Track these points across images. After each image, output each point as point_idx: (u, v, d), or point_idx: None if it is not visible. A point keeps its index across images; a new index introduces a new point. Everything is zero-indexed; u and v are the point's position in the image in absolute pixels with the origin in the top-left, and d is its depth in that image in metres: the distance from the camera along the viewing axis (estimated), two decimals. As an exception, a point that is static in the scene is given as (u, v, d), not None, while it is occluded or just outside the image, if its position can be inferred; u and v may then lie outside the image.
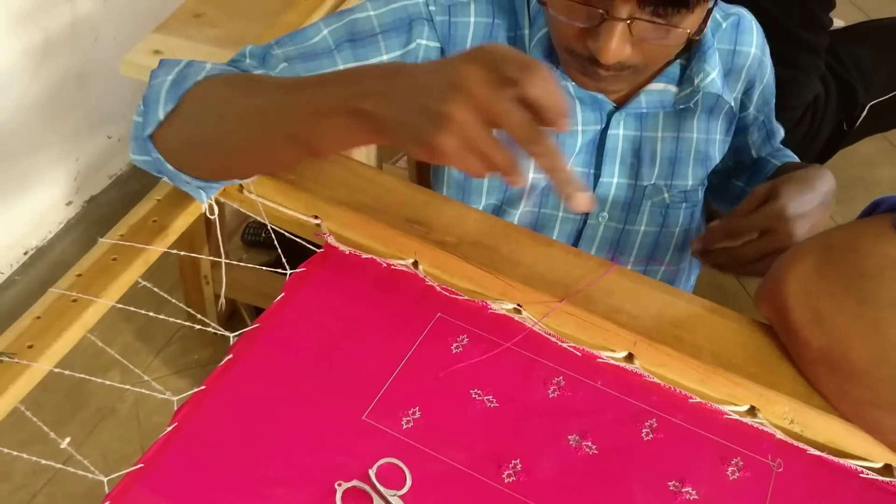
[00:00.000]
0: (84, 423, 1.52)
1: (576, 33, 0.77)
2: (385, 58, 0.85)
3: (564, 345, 0.71)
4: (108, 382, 0.70)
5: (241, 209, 0.81)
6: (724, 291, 1.85)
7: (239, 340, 0.70)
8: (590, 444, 0.65)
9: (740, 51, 0.95)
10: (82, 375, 0.69)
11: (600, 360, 0.70)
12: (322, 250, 0.77)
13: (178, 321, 0.79)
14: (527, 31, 0.89)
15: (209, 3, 1.31)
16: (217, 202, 0.80)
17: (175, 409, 0.65)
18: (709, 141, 0.96)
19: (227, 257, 0.87)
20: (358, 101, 0.59)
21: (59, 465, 0.64)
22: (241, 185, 0.80)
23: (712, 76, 0.89)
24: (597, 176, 0.94)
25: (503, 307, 0.73)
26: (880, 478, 0.65)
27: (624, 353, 0.71)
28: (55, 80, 1.68)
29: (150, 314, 0.75)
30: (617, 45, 0.73)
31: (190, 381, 1.61)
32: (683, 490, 0.63)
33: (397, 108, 0.57)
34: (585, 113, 0.91)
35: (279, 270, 0.76)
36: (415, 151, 0.57)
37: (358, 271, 0.75)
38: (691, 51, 0.90)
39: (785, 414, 0.67)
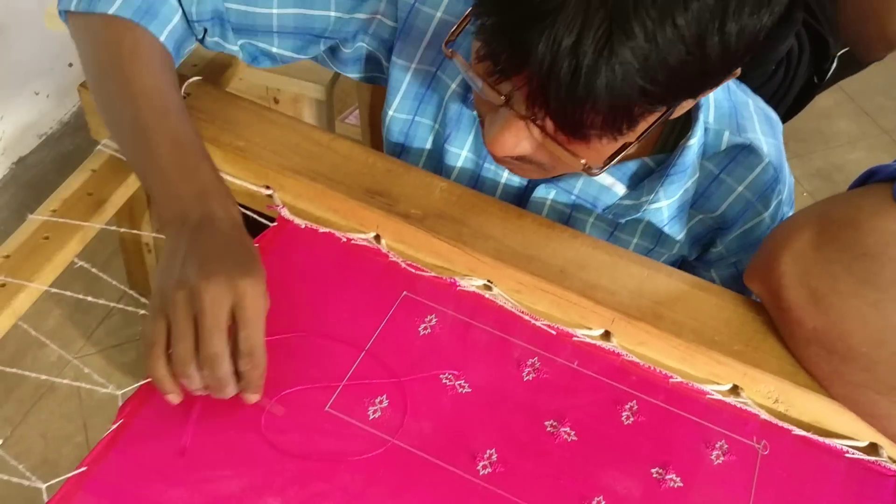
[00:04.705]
0: (21, 403, 1.43)
1: (480, 101, 0.64)
2: (332, 14, 0.75)
3: (538, 323, 0.67)
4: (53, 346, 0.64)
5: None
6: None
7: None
8: (568, 429, 0.61)
9: (724, 180, 0.75)
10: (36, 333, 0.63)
11: (576, 339, 0.66)
12: (276, 224, 0.71)
13: (121, 287, 0.73)
14: None
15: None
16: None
17: (119, 404, 0.60)
18: (646, 250, 0.80)
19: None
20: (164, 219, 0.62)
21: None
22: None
23: (660, 205, 0.73)
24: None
25: (473, 284, 0.69)
26: (866, 457, 0.63)
27: (601, 332, 0.67)
28: (-26, 32, 1.56)
29: (97, 278, 0.68)
30: (508, 140, 0.59)
31: (133, 353, 1.54)
32: (668, 477, 0.60)
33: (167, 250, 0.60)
34: None
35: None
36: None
37: (315, 247, 0.70)
38: (670, 155, 0.73)
39: (770, 393, 0.64)
